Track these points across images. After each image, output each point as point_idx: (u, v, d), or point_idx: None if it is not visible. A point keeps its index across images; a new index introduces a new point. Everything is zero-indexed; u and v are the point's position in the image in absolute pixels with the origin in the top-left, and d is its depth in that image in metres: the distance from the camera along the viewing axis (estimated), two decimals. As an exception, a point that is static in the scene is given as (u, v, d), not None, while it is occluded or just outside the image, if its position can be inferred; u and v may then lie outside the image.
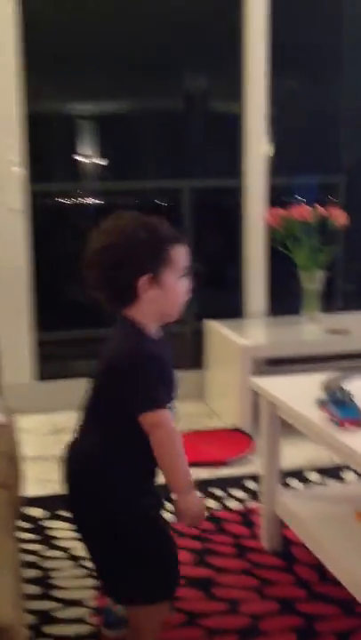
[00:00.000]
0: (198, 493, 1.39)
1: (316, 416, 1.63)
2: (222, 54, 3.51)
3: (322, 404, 1.66)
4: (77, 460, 1.42)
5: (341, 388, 1.75)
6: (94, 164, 3.64)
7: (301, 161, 3.82)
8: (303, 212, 3.11)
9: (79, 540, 1.47)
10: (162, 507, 1.50)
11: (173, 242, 1.41)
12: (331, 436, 1.53)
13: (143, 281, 1.38)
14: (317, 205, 3.19)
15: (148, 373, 1.36)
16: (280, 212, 3.17)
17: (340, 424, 1.56)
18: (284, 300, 3.68)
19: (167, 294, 1.41)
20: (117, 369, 1.36)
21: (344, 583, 1.60)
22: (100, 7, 3.42)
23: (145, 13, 3.42)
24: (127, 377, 1.34)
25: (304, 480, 2.44)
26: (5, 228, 3.15)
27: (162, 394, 1.37)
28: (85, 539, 1.44)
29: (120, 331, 1.43)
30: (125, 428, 1.37)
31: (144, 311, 1.41)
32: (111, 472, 1.38)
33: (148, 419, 1.34)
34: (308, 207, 3.14)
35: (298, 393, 1.80)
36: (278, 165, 3.61)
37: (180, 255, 1.42)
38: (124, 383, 1.35)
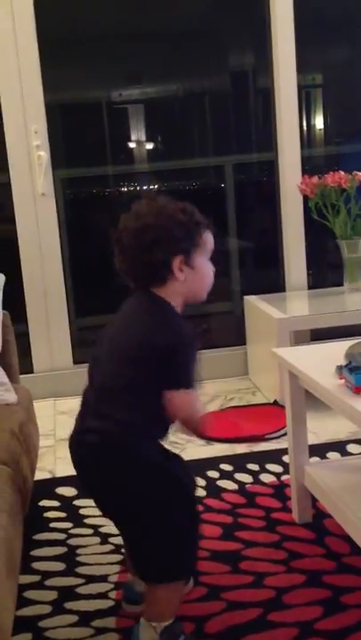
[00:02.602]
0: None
1: (333, 383, 1.59)
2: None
3: (339, 371, 1.61)
4: (104, 441, 1.38)
5: (361, 355, 1.70)
6: (142, 147, 3.65)
7: (353, 129, 3.74)
8: (338, 178, 3.03)
9: (109, 518, 1.50)
10: (193, 482, 1.52)
11: (205, 226, 1.48)
12: (344, 403, 1.49)
13: (178, 261, 1.43)
14: (356, 172, 3.09)
15: (193, 353, 1.40)
16: (314, 180, 3.09)
17: (354, 390, 1.51)
18: (328, 272, 3.61)
19: (197, 275, 1.47)
20: (165, 347, 1.36)
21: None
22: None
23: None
24: (177, 355, 1.37)
25: (345, 452, 2.39)
26: (39, 213, 3.19)
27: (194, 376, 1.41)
28: (119, 517, 1.46)
29: (145, 307, 1.44)
30: (153, 400, 1.37)
31: (174, 291, 1.45)
32: (142, 444, 1.38)
33: (181, 397, 1.38)
34: (343, 174, 3.05)
35: (320, 362, 1.75)
36: (330, 134, 3.55)
37: (209, 239, 1.49)
38: (174, 360, 1.36)
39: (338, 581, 1.66)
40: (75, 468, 1.42)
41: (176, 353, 1.37)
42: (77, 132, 3.57)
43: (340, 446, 2.43)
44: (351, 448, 2.42)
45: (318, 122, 3.83)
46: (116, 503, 1.42)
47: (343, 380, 1.57)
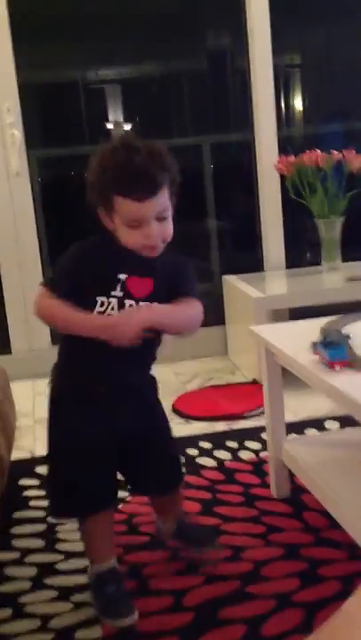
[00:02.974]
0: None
1: (308, 359, 1.60)
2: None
3: (314, 347, 1.63)
4: None
5: (337, 331, 1.72)
6: (120, 127, 3.62)
7: (332, 109, 3.75)
8: (315, 157, 3.03)
9: None
10: (87, 420, 1.50)
11: (120, 192, 1.39)
12: (318, 378, 1.50)
13: (100, 211, 1.45)
14: (332, 151, 3.10)
15: (60, 262, 1.51)
16: (291, 159, 3.09)
17: (328, 365, 1.53)
18: (307, 252, 3.63)
19: (119, 233, 1.44)
20: None
21: (346, 529, 1.58)
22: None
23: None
24: None
25: (323, 430, 2.41)
26: (13, 192, 3.17)
27: (57, 280, 1.48)
28: None
29: None
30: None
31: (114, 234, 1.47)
32: (53, 382, 1.54)
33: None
34: (320, 153, 3.05)
35: (296, 339, 1.76)
36: (309, 115, 3.57)
37: (127, 208, 1.40)
38: None
39: (315, 554, 1.68)
40: None
41: None
42: (54, 112, 3.54)
43: (318, 423, 2.45)
44: (329, 425, 2.44)
45: (297, 102, 3.82)
46: None
47: (318, 356, 1.59)
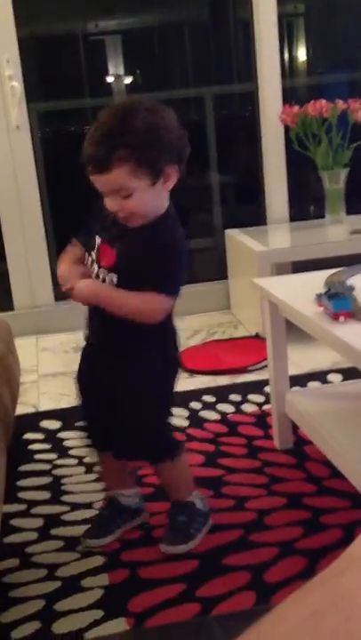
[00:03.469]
0: None
1: (312, 311, 1.60)
2: None
3: (318, 299, 1.62)
4: None
5: (341, 282, 1.71)
6: (120, 79, 3.56)
7: (336, 59, 3.68)
8: (319, 107, 2.97)
9: None
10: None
11: (85, 164, 1.38)
12: (323, 329, 1.50)
13: None
14: (337, 100, 3.04)
15: None
16: (295, 109, 3.03)
17: (333, 317, 1.52)
18: (310, 205, 3.59)
19: None
20: None
21: (349, 478, 1.59)
22: None
23: None
24: None
25: (325, 382, 2.42)
26: (14, 146, 3.12)
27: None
28: None
29: None
30: None
31: None
32: None
33: None
34: (324, 102, 2.99)
35: (300, 291, 1.76)
36: (313, 65, 3.50)
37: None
38: None
39: (318, 503, 1.70)
40: None
41: None
42: (53, 65, 3.47)
43: (320, 376, 2.46)
44: (332, 378, 2.45)
45: (301, 52, 3.75)
46: None
47: (322, 308, 1.58)
